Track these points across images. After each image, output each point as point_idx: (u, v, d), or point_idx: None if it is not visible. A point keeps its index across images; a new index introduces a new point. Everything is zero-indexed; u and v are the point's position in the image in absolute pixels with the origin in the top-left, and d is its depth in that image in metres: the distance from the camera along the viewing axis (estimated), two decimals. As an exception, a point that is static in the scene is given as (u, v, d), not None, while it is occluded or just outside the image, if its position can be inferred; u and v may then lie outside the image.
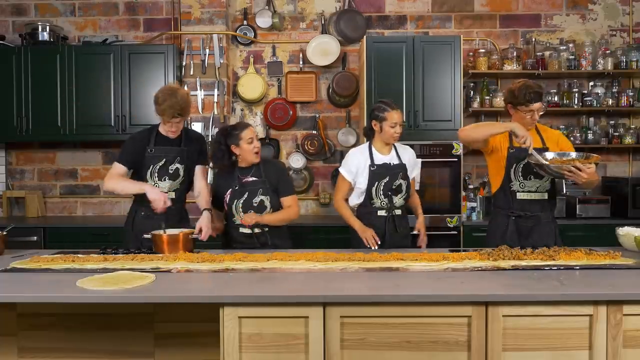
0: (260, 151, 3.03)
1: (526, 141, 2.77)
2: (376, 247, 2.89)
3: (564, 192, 4.51)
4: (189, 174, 3.15)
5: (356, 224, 3.03)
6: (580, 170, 2.69)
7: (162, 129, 3.07)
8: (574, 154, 2.88)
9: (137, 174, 3.11)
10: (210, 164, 3.16)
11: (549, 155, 2.87)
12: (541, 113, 2.96)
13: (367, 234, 2.94)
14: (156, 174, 3.05)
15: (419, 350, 1.97)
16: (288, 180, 3.18)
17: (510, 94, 2.97)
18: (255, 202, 2.98)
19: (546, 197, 3.02)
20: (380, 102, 3.11)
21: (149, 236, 2.76)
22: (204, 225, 2.94)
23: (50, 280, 2.20)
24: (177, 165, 3.07)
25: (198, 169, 3.19)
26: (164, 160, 3.04)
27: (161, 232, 2.75)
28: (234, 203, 2.98)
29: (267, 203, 2.99)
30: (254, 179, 3.00)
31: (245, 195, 2.97)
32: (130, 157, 3.06)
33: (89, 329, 2.33)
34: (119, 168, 3.05)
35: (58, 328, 2.34)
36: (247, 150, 2.96)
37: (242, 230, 2.99)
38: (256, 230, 2.97)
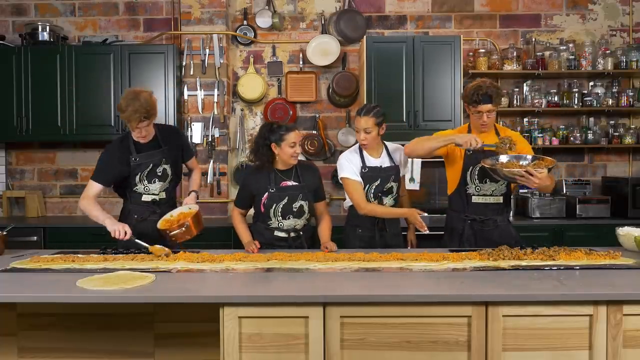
0: (298, 156, 2.96)
1: (471, 143, 2.73)
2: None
3: (564, 192, 4.52)
4: (176, 170, 3.15)
5: (401, 211, 3.02)
6: (532, 175, 2.65)
7: (134, 135, 2.99)
8: (529, 157, 2.84)
9: (124, 182, 3.06)
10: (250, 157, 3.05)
11: (503, 158, 2.83)
12: (491, 116, 2.87)
13: (415, 213, 2.91)
14: (145, 179, 3.03)
15: (419, 350, 1.97)
16: (322, 185, 3.16)
17: (464, 92, 2.94)
18: (295, 207, 2.93)
19: (501, 201, 2.99)
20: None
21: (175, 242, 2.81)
22: (190, 199, 3.12)
23: (50, 280, 2.20)
24: (164, 166, 3.06)
25: (190, 163, 3.28)
26: (151, 165, 3.02)
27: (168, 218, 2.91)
28: (273, 207, 2.91)
29: (306, 208, 2.97)
30: (294, 183, 2.95)
31: (285, 200, 2.91)
32: (106, 174, 3.00)
33: (89, 329, 2.33)
34: (94, 187, 2.98)
35: (58, 328, 2.34)
36: (287, 153, 2.88)
37: (277, 233, 2.96)
38: (292, 234, 2.97)
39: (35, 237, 4.17)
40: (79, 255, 2.65)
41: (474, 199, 2.96)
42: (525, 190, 4.44)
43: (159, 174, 3.05)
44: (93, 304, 2.26)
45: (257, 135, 3.01)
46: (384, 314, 1.96)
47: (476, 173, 2.94)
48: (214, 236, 3.97)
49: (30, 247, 3.82)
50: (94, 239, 4.09)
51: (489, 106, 2.84)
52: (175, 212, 2.99)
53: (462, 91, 4.28)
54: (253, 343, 1.96)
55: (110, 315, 2.33)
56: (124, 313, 2.32)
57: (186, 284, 2.17)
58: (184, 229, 2.79)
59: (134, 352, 2.34)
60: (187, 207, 3.01)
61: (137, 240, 2.79)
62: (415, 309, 1.96)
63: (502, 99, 4.17)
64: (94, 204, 2.96)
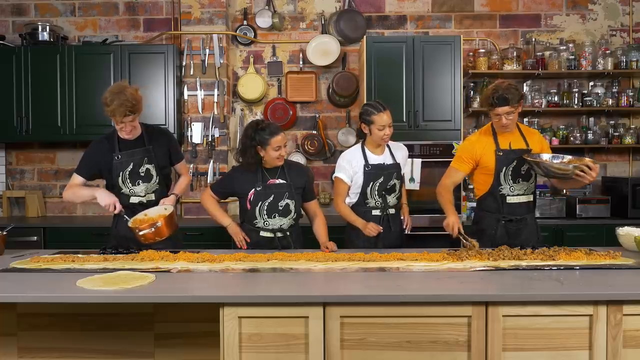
0: (284, 157, 2.94)
1: (449, 229, 2.82)
2: (380, 231, 2.93)
3: (564, 192, 4.51)
4: (162, 172, 3.06)
5: (358, 221, 3.00)
6: (591, 169, 2.68)
7: (118, 131, 2.95)
8: (568, 157, 2.87)
9: (108, 182, 3.03)
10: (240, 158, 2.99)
11: (544, 156, 2.86)
12: (510, 117, 2.86)
13: (369, 226, 2.93)
14: (128, 180, 2.96)
15: (419, 350, 1.97)
16: (312, 185, 3.15)
17: (483, 95, 2.97)
18: (281, 206, 2.91)
19: (532, 199, 3.02)
20: (367, 106, 3.06)
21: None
22: (168, 200, 2.99)
23: (50, 280, 2.20)
24: (147, 166, 2.98)
25: (179, 167, 3.18)
26: (132, 164, 2.95)
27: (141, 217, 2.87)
28: (259, 205, 2.90)
29: (292, 207, 2.94)
30: (280, 181, 2.94)
31: (271, 198, 2.90)
32: (88, 168, 2.98)
33: (89, 329, 2.33)
34: (76, 179, 2.98)
35: (58, 328, 2.34)
36: (272, 157, 2.87)
37: (263, 234, 2.95)
38: (279, 234, 2.95)
39: (35, 237, 4.17)
40: (79, 255, 2.65)
41: (509, 199, 2.97)
42: None
43: (142, 174, 2.97)
44: (93, 304, 2.26)
45: (243, 135, 2.98)
46: (384, 314, 1.96)
47: (510, 173, 2.94)
48: (214, 236, 3.97)
49: (30, 247, 3.83)
50: (94, 239, 4.11)
51: (506, 108, 2.84)
52: (151, 212, 2.91)
53: (462, 91, 4.30)
54: (253, 343, 1.96)
55: (110, 315, 2.33)
56: (124, 313, 2.32)
57: (186, 284, 2.17)
58: (153, 229, 2.74)
59: (134, 352, 2.34)
60: (163, 207, 2.93)
61: (125, 216, 2.88)
62: (415, 309, 1.96)
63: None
64: (77, 187, 2.97)
